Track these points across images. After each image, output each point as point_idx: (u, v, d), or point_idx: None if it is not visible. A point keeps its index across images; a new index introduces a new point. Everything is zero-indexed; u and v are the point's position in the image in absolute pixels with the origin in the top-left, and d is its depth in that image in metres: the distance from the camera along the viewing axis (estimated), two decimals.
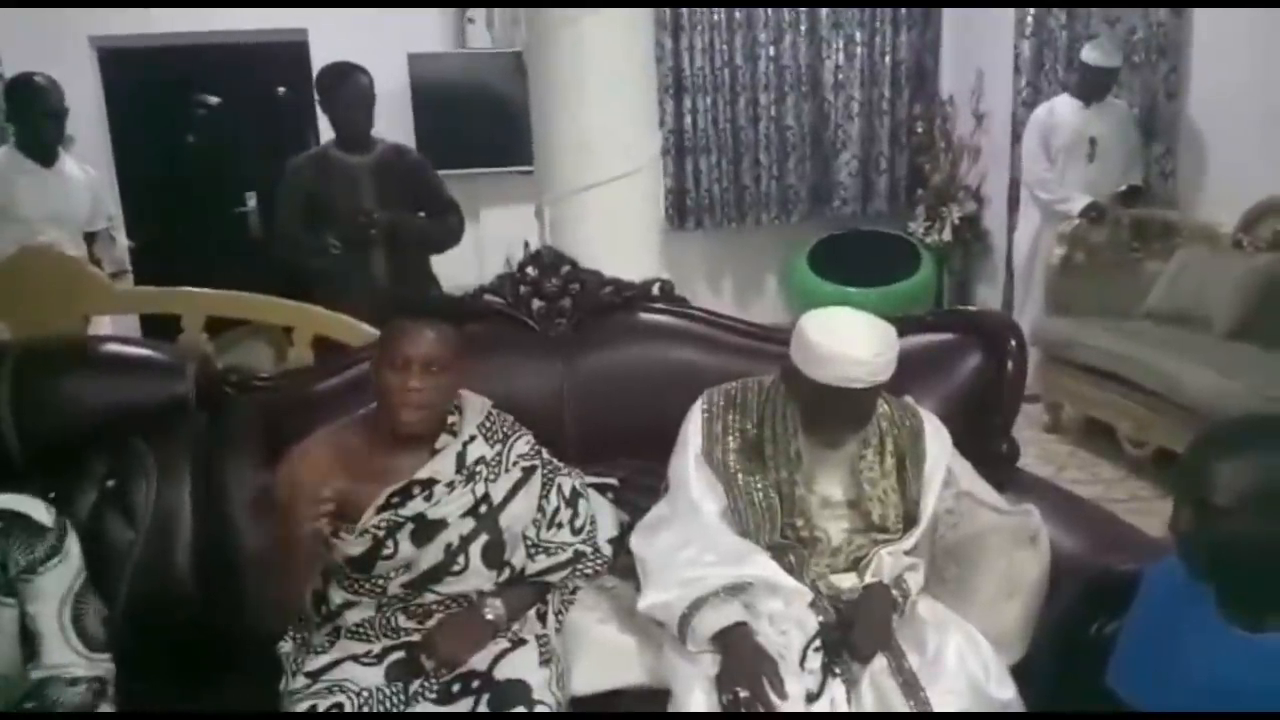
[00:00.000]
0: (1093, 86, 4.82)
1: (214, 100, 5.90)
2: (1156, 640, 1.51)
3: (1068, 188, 4.87)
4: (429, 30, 5.71)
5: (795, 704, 1.62)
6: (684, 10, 5.95)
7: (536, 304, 2.28)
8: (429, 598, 1.79)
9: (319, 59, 4.34)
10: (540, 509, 1.90)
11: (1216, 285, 4.19)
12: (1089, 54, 4.79)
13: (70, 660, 1.60)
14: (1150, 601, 1.56)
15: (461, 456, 1.83)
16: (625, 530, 1.99)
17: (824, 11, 6.14)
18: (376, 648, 1.74)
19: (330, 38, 5.22)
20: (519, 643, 1.74)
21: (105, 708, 1.65)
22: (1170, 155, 4.82)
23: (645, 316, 2.33)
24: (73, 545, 1.65)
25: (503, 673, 1.66)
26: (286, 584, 1.79)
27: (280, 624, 1.83)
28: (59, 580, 1.61)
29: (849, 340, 1.75)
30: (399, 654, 1.72)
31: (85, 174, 3.93)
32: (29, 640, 1.59)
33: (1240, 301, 4.07)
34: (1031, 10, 5.32)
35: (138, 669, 1.80)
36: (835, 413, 1.81)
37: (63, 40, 5.22)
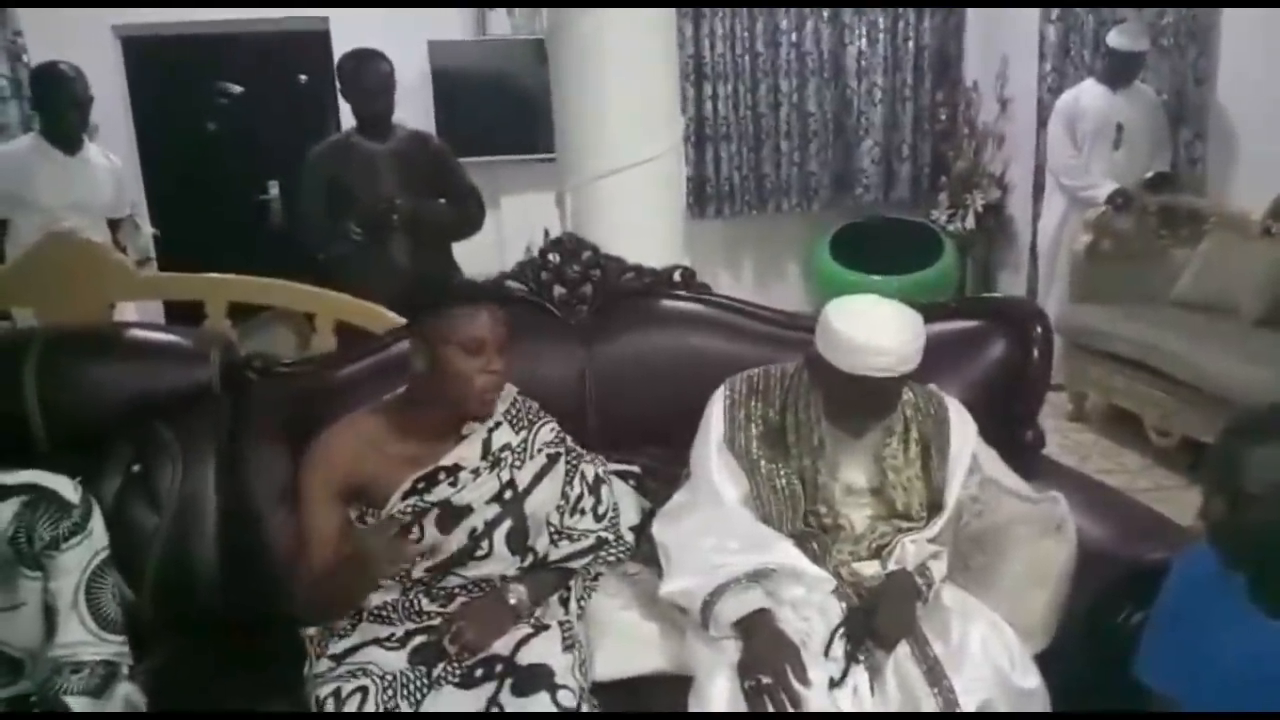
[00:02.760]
0: (1119, 72, 4.76)
1: (236, 89, 5.91)
2: (1185, 630, 1.50)
3: (1094, 174, 4.82)
4: (449, 17, 5.71)
5: (818, 691, 1.61)
6: None
7: (558, 290, 2.27)
8: (453, 582, 1.80)
9: (340, 47, 4.35)
10: (564, 495, 1.91)
11: (1245, 273, 4.15)
12: (1115, 39, 4.74)
13: (81, 639, 1.61)
14: (1179, 591, 1.54)
15: (487, 443, 1.84)
16: (647, 517, 1.99)
17: None
18: (400, 631, 1.75)
19: (351, 25, 5.23)
20: (542, 628, 1.74)
21: (123, 689, 1.66)
22: (1198, 142, 4.76)
23: (667, 303, 2.32)
24: (96, 524, 1.66)
25: (525, 658, 1.66)
26: (311, 572, 1.80)
27: (312, 615, 1.82)
28: (80, 558, 1.62)
29: (876, 329, 1.74)
30: (422, 638, 1.73)
31: (109, 162, 3.96)
32: (48, 616, 1.61)
33: (1269, 289, 4.03)
34: None
35: (163, 653, 1.82)
36: (860, 402, 1.80)
37: (86, 28, 5.24)
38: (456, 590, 1.80)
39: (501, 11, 5.73)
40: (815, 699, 1.60)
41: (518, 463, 1.85)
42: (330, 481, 1.81)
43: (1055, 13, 5.26)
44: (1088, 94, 4.87)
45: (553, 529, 1.89)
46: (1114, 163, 4.81)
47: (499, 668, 1.65)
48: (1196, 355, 3.85)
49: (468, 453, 1.82)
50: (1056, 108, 4.99)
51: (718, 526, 1.81)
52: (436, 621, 1.75)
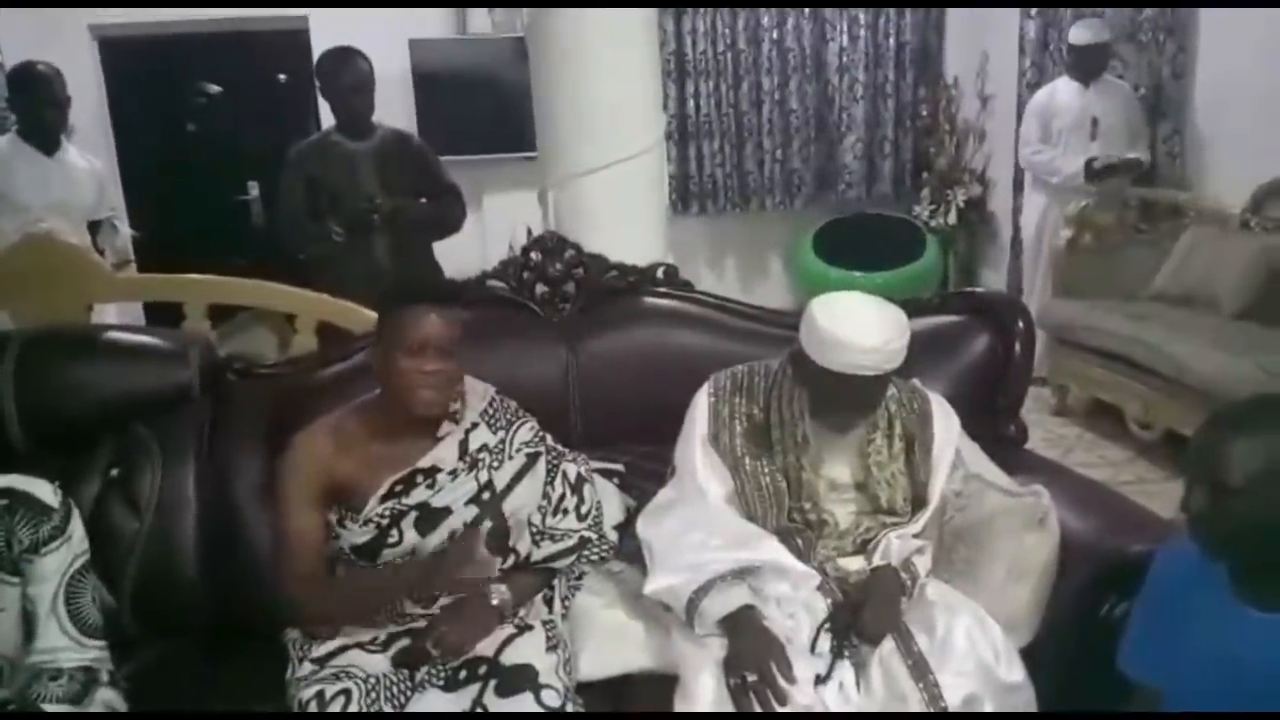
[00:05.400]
0: (1086, 66, 4.79)
1: (215, 88, 5.87)
2: (1167, 622, 1.50)
3: (1068, 159, 4.83)
4: (429, 16, 5.69)
5: (804, 687, 1.61)
6: None
7: (540, 289, 2.27)
8: None
9: (319, 46, 4.32)
10: (545, 495, 1.90)
11: (1225, 266, 4.17)
12: (1075, 34, 4.79)
13: (61, 644, 1.59)
14: (1161, 583, 1.55)
15: (464, 444, 1.83)
16: (631, 515, 1.98)
17: None
18: (382, 634, 1.74)
19: (331, 24, 5.19)
20: (525, 628, 1.73)
21: (103, 695, 1.64)
22: (1177, 135, 4.79)
23: (650, 300, 2.32)
24: (76, 527, 1.64)
25: (509, 658, 1.66)
26: (296, 575, 1.79)
27: (298, 617, 1.81)
28: (59, 562, 1.60)
29: (860, 327, 1.74)
30: (405, 640, 1.72)
31: (88, 163, 3.92)
32: (26, 622, 1.59)
33: (1248, 282, 4.05)
34: None
35: (143, 658, 1.81)
36: (844, 399, 1.80)
37: (62, 28, 5.19)
38: (439, 592, 1.79)
39: (482, 9, 5.71)
40: (801, 695, 1.60)
41: (496, 463, 1.85)
42: (310, 483, 1.80)
43: (1034, 9, 5.28)
44: (1061, 90, 4.90)
45: (535, 529, 1.88)
46: (1090, 156, 4.83)
47: (483, 669, 1.64)
48: (1177, 348, 3.87)
49: (445, 454, 1.81)
50: (1030, 105, 5.02)
51: (702, 523, 1.81)
52: (419, 624, 1.74)
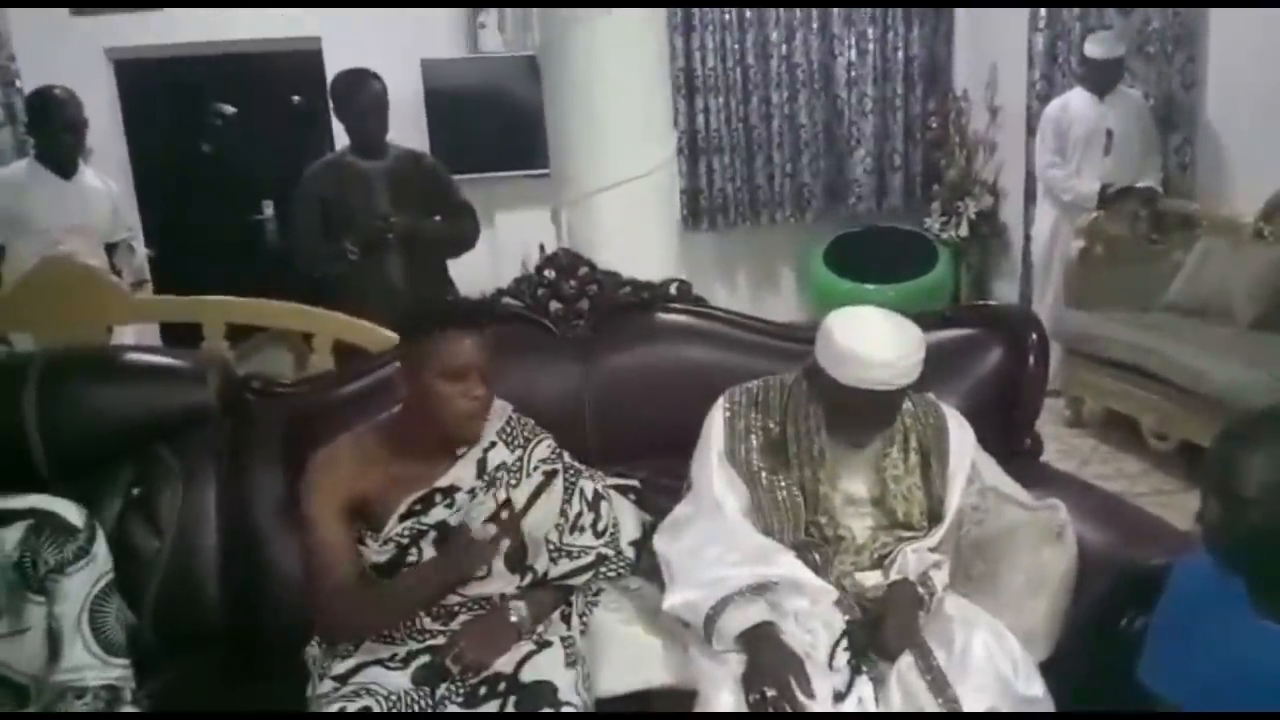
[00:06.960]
0: (1101, 79, 4.80)
1: (230, 110, 5.93)
2: (1187, 635, 1.50)
3: (1084, 180, 4.84)
4: (441, 36, 5.74)
5: (823, 703, 1.61)
6: (695, 10, 5.94)
7: (554, 306, 2.28)
8: (452, 600, 1.80)
9: (333, 67, 4.36)
10: (562, 513, 1.90)
11: (1238, 276, 4.16)
12: (1091, 48, 4.80)
13: (85, 663, 1.60)
14: (1179, 595, 1.55)
15: (482, 463, 1.84)
16: (648, 531, 1.99)
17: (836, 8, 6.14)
18: (401, 651, 1.74)
19: (344, 45, 5.24)
20: (544, 645, 1.74)
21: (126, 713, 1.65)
22: (1189, 146, 4.78)
23: (664, 317, 2.33)
24: (100, 547, 1.66)
25: (529, 675, 1.66)
26: (330, 588, 1.77)
27: (330, 630, 1.80)
28: (84, 582, 1.62)
29: (876, 342, 1.74)
30: (425, 657, 1.72)
31: (105, 185, 3.96)
32: (52, 641, 1.60)
33: (1262, 292, 4.04)
34: None
35: (165, 676, 1.82)
36: (860, 413, 1.81)
37: (79, 53, 5.25)
38: (458, 609, 1.80)
39: (493, 28, 5.76)
40: (820, 711, 1.60)
41: (514, 481, 1.85)
42: (336, 496, 1.79)
43: (1042, 21, 5.29)
44: (1075, 102, 4.90)
45: (552, 547, 1.88)
46: (1104, 169, 4.83)
47: (502, 686, 1.65)
48: (1192, 359, 3.86)
49: (463, 473, 1.82)
50: (1044, 116, 5.01)
51: (719, 539, 1.81)
52: (439, 640, 1.75)
